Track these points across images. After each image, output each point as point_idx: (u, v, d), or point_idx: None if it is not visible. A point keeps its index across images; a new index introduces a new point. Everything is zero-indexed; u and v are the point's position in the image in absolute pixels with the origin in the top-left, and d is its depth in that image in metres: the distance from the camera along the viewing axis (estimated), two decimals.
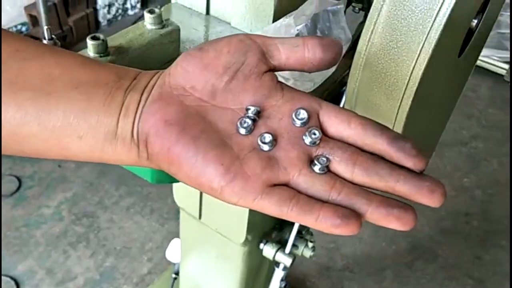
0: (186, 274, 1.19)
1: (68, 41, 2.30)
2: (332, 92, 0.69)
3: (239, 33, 0.36)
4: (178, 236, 1.14)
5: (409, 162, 0.32)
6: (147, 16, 0.55)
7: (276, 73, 0.37)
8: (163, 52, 0.56)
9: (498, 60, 2.43)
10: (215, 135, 0.33)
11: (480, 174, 2.03)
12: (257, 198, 0.32)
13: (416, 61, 0.48)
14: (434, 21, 0.46)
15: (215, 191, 0.32)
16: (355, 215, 0.31)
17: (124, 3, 2.58)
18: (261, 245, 0.98)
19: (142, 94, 0.34)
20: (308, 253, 1.01)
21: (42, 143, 0.34)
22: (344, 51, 0.61)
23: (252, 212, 0.86)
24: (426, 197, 0.31)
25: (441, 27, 0.46)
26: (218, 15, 0.68)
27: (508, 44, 2.39)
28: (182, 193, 0.96)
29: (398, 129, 0.53)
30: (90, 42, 0.50)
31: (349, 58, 0.55)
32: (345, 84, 0.57)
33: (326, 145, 0.33)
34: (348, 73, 0.55)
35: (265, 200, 0.32)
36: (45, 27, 0.45)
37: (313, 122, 0.34)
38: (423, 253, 1.74)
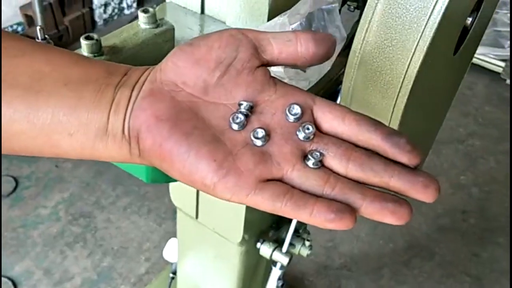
0: (183, 274, 1.19)
1: (64, 40, 2.29)
2: (327, 90, 0.69)
3: (231, 28, 0.36)
4: (175, 236, 1.14)
5: (403, 157, 0.32)
6: (141, 16, 0.55)
7: (271, 72, 0.37)
8: (157, 52, 0.56)
9: (494, 58, 2.44)
10: (208, 131, 0.33)
11: (476, 171, 2.03)
12: (250, 194, 0.31)
13: (411, 60, 0.48)
14: (428, 19, 0.46)
15: (208, 188, 0.32)
16: (350, 209, 0.30)
17: (120, 2, 2.58)
18: (258, 244, 0.98)
19: (132, 90, 0.34)
20: (305, 252, 1.01)
21: (32, 141, 0.34)
22: (339, 49, 0.61)
23: (249, 211, 0.86)
24: (420, 193, 0.31)
25: (436, 25, 0.46)
26: (213, 14, 0.67)
27: (504, 42, 2.39)
28: (179, 193, 0.96)
29: (394, 127, 0.53)
30: (84, 42, 0.50)
31: (345, 56, 0.54)
32: (340, 82, 0.57)
33: (320, 141, 0.33)
34: (343, 72, 0.55)
35: (259, 196, 0.31)
36: (38, 27, 0.45)
37: (306, 117, 0.34)
38: (420, 251, 1.75)
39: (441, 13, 0.45)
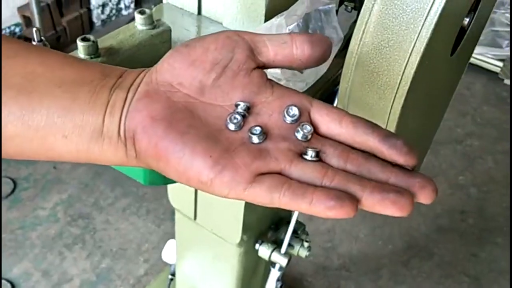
0: (182, 275, 1.19)
1: (62, 41, 2.29)
2: (325, 91, 0.69)
3: (227, 30, 0.36)
4: (174, 237, 1.14)
5: (401, 159, 0.32)
6: (138, 17, 0.55)
7: (268, 73, 0.37)
8: (154, 53, 0.56)
9: (492, 58, 2.44)
10: (204, 130, 0.33)
11: (475, 171, 2.03)
12: (247, 188, 0.31)
13: (408, 60, 0.48)
14: (425, 20, 0.46)
15: (204, 184, 0.32)
16: (350, 196, 0.30)
17: (118, 3, 2.57)
18: (257, 245, 0.97)
19: (128, 92, 0.34)
20: (303, 253, 1.01)
21: (27, 144, 0.33)
22: (336, 50, 0.61)
23: (247, 212, 0.86)
24: (417, 194, 0.31)
25: (432, 26, 0.46)
26: (209, 15, 0.67)
27: (502, 41, 2.40)
28: (177, 194, 0.96)
29: (391, 128, 0.53)
30: (80, 44, 0.50)
31: (342, 57, 0.54)
32: (338, 83, 0.57)
33: (317, 142, 0.33)
34: (341, 73, 0.55)
35: (256, 188, 0.31)
36: (34, 29, 0.45)
37: (304, 119, 0.34)
38: (419, 251, 1.75)
39: (437, 14, 0.45)
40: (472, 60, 2.25)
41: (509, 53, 2.38)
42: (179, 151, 0.32)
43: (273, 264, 1.01)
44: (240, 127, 0.33)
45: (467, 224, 1.85)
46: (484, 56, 2.43)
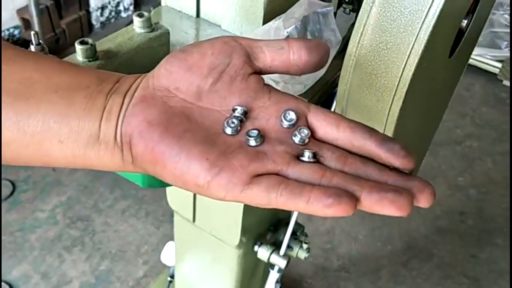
0: (181, 277, 1.19)
1: (61, 43, 2.29)
2: (324, 93, 0.69)
3: (224, 36, 0.36)
4: (173, 239, 1.14)
5: (398, 162, 0.32)
6: (136, 20, 0.55)
7: (266, 76, 0.37)
8: (152, 56, 0.56)
9: (491, 59, 2.44)
10: (200, 134, 0.33)
11: (474, 173, 2.03)
12: (245, 189, 0.31)
13: (406, 63, 0.48)
14: (423, 22, 0.46)
15: (201, 188, 0.31)
16: (348, 194, 0.29)
17: (117, 5, 2.57)
18: (256, 247, 0.97)
19: (124, 97, 0.34)
20: (303, 254, 1.00)
21: (23, 149, 0.33)
22: (335, 52, 0.61)
23: (246, 214, 0.86)
24: (416, 197, 0.31)
25: (431, 28, 0.46)
26: (208, 17, 0.67)
27: (500, 42, 2.40)
28: (176, 196, 0.96)
29: (389, 130, 0.53)
30: (78, 47, 0.50)
31: (340, 59, 0.54)
32: (336, 85, 0.57)
33: (315, 146, 0.33)
34: (339, 75, 0.55)
35: (253, 189, 0.31)
36: (32, 32, 0.45)
37: (301, 123, 0.34)
38: (419, 253, 1.75)
39: (436, 16, 0.45)
40: (471, 61, 2.26)
41: (507, 54, 2.39)
42: (176, 155, 0.32)
43: (272, 265, 1.01)
44: (237, 131, 0.33)
45: (466, 225, 1.85)
46: (483, 57, 2.44)
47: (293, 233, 0.97)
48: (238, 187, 0.31)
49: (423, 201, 0.31)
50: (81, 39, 0.50)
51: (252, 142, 0.33)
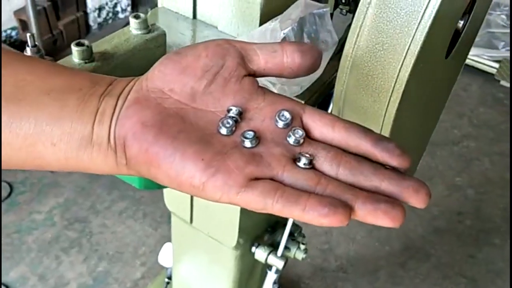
0: (178, 279, 1.19)
1: (58, 44, 2.29)
2: (320, 94, 0.69)
3: (218, 38, 0.36)
4: (171, 240, 1.14)
5: (393, 161, 0.32)
6: (133, 21, 0.55)
7: (264, 78, 0.37)
8: (149, 57, 0.56)
9: (488, 59, 2.45)
10: (195, 134, 0.32)
11: (472, 173, 2.04)
12: (240, 192, 0.31)
13: (402, 63, 0.48)
14: (419, 23, 0.46)
15: (196, 189, 0.31)
16: (343, 204, 0.30)
17: (115, 6, 2.57)
18: (253, 248, 0.97)
19: (118, 99, 0.34)
20: (300, 255, 1.00)
21: (15, 152, 0.33)
22: (331, 53, 0.61)
23: (243, 215, 0.86)
24: (411, 197, 0.31)
25: (427, 29, 0.46)
26: (205, 19, 0.67)
27: (497, 43, 2.40)
28: (173, 198, 0.96)
29: (386, 131, 0.53)
30: (74, 49, 0.50)
31: (337, 60, 0.54)
32: (333, 86, 0.57)
33: (310, 146, 0.33)
34: (336, 76, 0.55)
35: (249, 193, 0.31)
36: (28, 34, 0.45)
37: (296, 124, 0.34)
38: (416, 253, 1.75)
39: (432, 17, 0.45)
40: (468, 61, 2.26)
41: (504, 55, 2.39)
42: (170, 155, 0.31)
43: (269, 267, 1.01)
44: (232, 131, 0.33)
45: (464, 225, 1.85)
46: (480, 57, 2.44)
47: (291, 234, 0.97)
48: (234, 189, 0.31)
49: (419, 202, 0.31)
50: (78, 40, 0.50)
51: (248, 144, 0.32)
